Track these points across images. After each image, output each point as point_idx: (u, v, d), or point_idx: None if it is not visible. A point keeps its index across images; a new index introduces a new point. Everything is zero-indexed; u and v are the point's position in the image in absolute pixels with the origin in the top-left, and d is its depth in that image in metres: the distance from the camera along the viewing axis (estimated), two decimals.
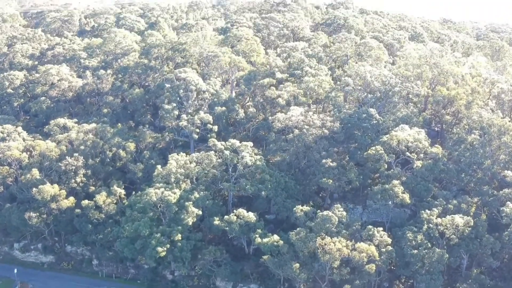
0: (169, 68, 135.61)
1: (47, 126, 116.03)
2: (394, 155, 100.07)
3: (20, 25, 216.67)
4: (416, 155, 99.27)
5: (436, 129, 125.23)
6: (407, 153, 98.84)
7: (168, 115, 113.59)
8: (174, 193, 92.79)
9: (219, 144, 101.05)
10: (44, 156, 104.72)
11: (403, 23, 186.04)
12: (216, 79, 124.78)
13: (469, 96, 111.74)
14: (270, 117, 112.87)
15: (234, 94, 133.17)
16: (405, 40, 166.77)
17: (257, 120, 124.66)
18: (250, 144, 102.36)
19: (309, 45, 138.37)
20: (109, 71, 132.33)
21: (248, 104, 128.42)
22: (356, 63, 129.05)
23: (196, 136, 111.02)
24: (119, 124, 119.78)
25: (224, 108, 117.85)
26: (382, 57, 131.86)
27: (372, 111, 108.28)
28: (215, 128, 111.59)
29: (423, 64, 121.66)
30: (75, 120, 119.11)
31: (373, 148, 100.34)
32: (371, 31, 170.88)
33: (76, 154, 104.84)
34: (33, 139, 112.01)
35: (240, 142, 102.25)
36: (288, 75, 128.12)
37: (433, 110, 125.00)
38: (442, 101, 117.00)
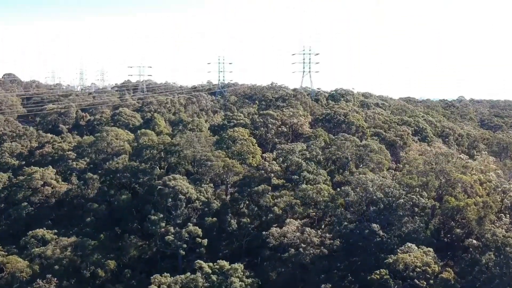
0: (160, 171, 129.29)
1: (24, 238, 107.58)
2: (401, 281, 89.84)
3: (18, 115, 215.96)
4: (425, 282, 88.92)
5: (445, 240, 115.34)
6: (416, 280, 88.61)
7: (154, 227, 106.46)
8: None
9: (206, 267, 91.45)
10: (14, 277, 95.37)
11: (405, 118, 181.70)
12: (208, 185, 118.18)
13: (480, 210, 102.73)
14: (264, 232, 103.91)
15: (228, 197, 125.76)
16: (408, 136, 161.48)
17: (253, 226, 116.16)
18: (241, 267, 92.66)
19: (307, 147, 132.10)
20: (96, 176, 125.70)
21: (242, 210, 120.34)
22: (357, 168, 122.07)
23: (183, 253, 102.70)
24: (102, 234, 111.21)
25: (215, 219, 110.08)
26: (384, 161, 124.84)
27: (375, 226, 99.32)
28: (205, 241, 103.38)
29: (429, 172, 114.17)
30: (55, 231, 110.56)
31: (377, 272, 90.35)
32: (373, 126, 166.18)
33: (49, 276, 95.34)
34: (6, 253, 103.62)
35: (230, 264, 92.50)
36: (284, 181, 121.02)
37: (441, 218, 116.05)
38: (450, 212, 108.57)
